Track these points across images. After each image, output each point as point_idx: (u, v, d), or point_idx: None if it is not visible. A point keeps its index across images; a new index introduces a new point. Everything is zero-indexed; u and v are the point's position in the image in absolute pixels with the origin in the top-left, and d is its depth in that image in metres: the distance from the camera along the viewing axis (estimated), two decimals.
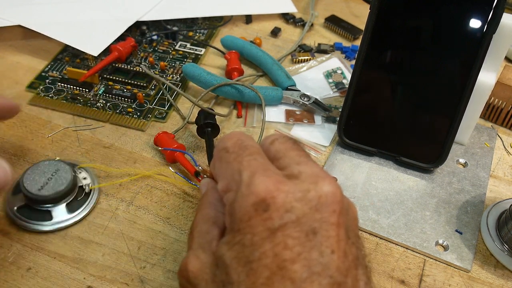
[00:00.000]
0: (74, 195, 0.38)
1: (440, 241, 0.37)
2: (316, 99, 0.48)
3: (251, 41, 0.56)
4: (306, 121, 0.47)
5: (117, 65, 0.52)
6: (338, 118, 0.45)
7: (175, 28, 0.58)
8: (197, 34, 0.58)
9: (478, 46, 0.38)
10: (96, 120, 0.46)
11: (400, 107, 0.42)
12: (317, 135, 0.46)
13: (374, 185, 0.41)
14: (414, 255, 0.37)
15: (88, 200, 0.38)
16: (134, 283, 0.34)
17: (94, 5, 0.57)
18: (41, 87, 0.49)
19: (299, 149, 0.28)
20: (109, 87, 0.50)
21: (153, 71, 0.52)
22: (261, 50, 0.53)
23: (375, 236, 0.38)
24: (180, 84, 0.51)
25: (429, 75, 0.40)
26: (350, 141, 0.43)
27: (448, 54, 0.39)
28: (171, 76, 0.52)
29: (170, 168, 0.41)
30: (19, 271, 0.34)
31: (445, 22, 0.39)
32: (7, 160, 0.32)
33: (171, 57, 0.54)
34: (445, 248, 0.37)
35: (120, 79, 0.50)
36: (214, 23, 0.60)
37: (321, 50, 0.56)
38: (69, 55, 0.54)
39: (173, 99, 0.49)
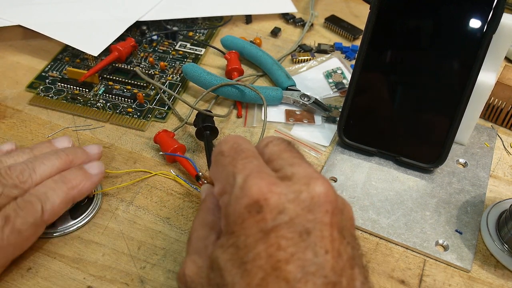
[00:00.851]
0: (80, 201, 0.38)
1: (440, 241, 0.37)
2: (316, 99, 0.48)
3: (251, 41, 0.56)
4: (306, 121, 0.47)
5: (117, 65, 0.52)
6: (338, 118, 0.45)
7: (175, 28, 0.58)
8: (197, 34, 0.58)
9: (478, 46, 0.38)
10: (96, 120, 0.46)
11: (400, 107, 0.42)
12: (317, 135, 0.46)
13: (374, 185, 0.41)
14: (414, 255, 0.37)
15: (92, 205, 0.38)
16: (134, 283, 0.34)
17: (94, 5, 0.57)
18: (41, 87, 0.49)
19: (293, 151, 0.28)
20: (109, 87, 0.50)
21: (153, 71, 0.52)
22: (261, 50, 0.53)
23: (375, 236, 0.38)
24: (180, 84, 0.51)
25: (429, 75, 0.40)
26: (350, 141, 0.43)
27: (448, 54, 0.39)
28: (171, 76, 0.52)
29: (171, 171, 0.41)
30: (19, 271, 0.34)
31: (445, 22, 0.39)
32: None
33: (171, 57, 0.54)
34: (445, 248, 0.37)
35: (120, 79, 0.50)
36: (214, 23, 0.60)
37: (321, 50, 0.56)
38: (69, 55, 0.54)
39: (172, 100, 0.49)
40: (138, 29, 0.57)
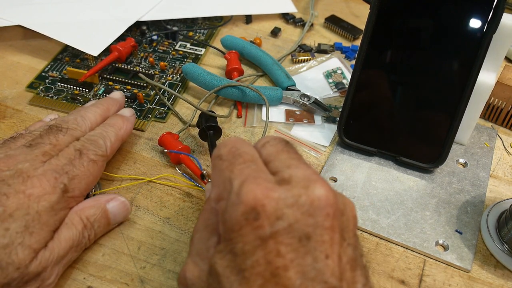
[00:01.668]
0: None
1: (440, 241, 0.37)
2: (316, 99, 0.48)
3: (251, 41, 0.56)
4: (306, 121, 0.47)
5: (117, 65, 0.52)
6: (338, 118, 0.45)
7: (175, 28, 0.58)
8: (197, 34, 0.58)
9: (478, 46, 0.38)
10: None
11: (400, 107, 0.42)
12: (317, 135, 0.46)
13: (374, 185, 0.41)
14: (414, 255, 0.37)
15: None
16: (134, 283, 0.34)
17: (94, 5, 0.57)
18: (41, 87, 0.49)
19: (290, 151, 0.28)
20: (109, 87, 0.50)
21: (153, 71, 0.52)
22: (261, 50, 0.53)
23: (375, 236, 0.38)
24: (180, 84, 0.51)
25: (429, 75, 0.40)
26: (350, 141, 0.43)
27: (448, 54, 0.39)
28: (171, 76, 0.52)
29: (177, 169, 0.41)
30: None
31: (445, 22, 0.39)
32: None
33: (171, 57, 0.54)
34: (445, 248, 0.37)
35: (120, 79, 0.50)
36: (214, 23, 0.60)
37: (321, 50, 0.56)
38: (69, 55, 0.54)
39: (172, 101, 0.49)
40: (138, 29, 0.57)
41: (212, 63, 0.55)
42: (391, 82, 0.42)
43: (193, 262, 0.27)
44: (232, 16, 0.60)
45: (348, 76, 0.53)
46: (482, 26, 0.38)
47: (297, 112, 0.48)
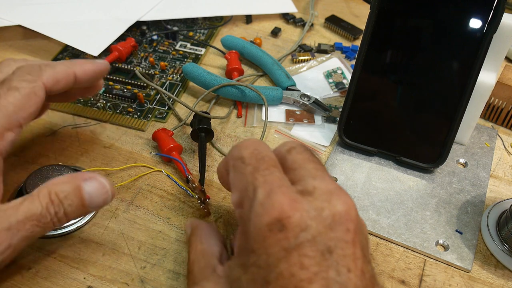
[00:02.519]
0: None
1: (440, 241, 0.37)
2: (316, 99, 0.48)
3: (251, 41, 0.56)
4: (306, 121, 0.47)
5: (117, 65, 0.52)
6: (338, 118, 0.45)
7: (175, 28, 0.58)
8: (197, 34, 0.58)
9: (478, 46, 0.38)
10: (96, 120, 0.46)
11: (400, 107, 0.42)
12: (317, 135, 0.46)
13: (374, 185, 0.41)
14: (414, 255, 0.37)
15: None
16: (134, 283, 0.34)
17: (94, 5, 0.57)
18: None
19: (316, 162, 0.27)
20: (109, 87, 0.50)
21: (153, 71, 0.52)
22: (261, 50, 0.53)
23: (375, 236, 0.38)
24: (180, 84, 0.51)
25: (429, 75, 0.40)
26: (350, 141, 0.43)
27: (448, 54, 0.39)
28: (171, 76, 0.52)
29: (163, 171, 0.41)
30: (19, 271, 0.34)
31: (445, 22, 0.39)
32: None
33: (171, 57, 0.54)
34: (445, 248, 0.37)
35: (120, 79, 0.50)
36: (214, 23, 0.60)
37: (321, 50, 0.56)
38: (69, 55, 0.54)
39: (172, 100, 0.49)
40: (138, 29, 0.57)
41: (212, 63, 0.55)
42: (391, 82, 0.42)
43: (201, 287, 0.26)
44: (232, 16, 0.60)
45: (348, 76, 0.53)
46: (482, 26, 0.38)
47: (297, 112, 0.48)
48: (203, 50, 0.56)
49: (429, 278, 0.35)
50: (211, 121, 0.44)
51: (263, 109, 0.48)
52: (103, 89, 0.49)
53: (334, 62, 0.55)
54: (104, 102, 0.48)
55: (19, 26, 0.53)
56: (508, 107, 0.46)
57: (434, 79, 0.40)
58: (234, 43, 0.54)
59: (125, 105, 0.48)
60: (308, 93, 0.48)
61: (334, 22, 0.60)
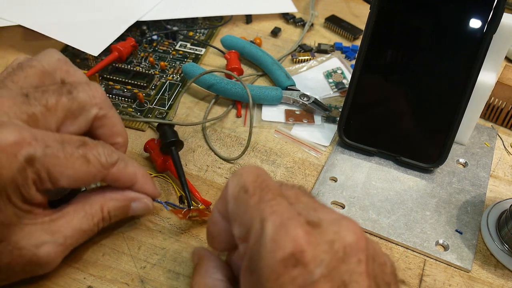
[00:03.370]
0: (70, 190, 0.37)
1: (440, 241, 0.37)
2: (315, 99, 0.48)
3: (251, 41, 0.56)
4: (305, 121, 0.47)
5: (117, 65, 0.52)
6: (338, 118, 0.45)
7: (175, 28, 0.58)
8: (197, 34, 0.58)
9: (478, 46, 0.38)
10: None
11: (400, 107, 0.42)
12: (317, 135, 0.46)
13: (374, 185, 0.41)
14: (414, 255, 0.37)
15: None
16: (134, 283, 0.34)
17: (94, 5, 0.57)
18: None
19: (309, 195, 0.26)
20: (109, 87, 0.50)
21: (153, 71, 0.52)
22: (261, 50, 0.53)
23: (375, 236, 0.38)
24: (180, 84, 0.51)
25: (429, 75, 0.40)
26: (350, 141, 0.43)
27: (448, 54, 0.39)
28: (171, 76, 0.52)
29: (158, 200, 0.37)
30: None
31: (445, 22, 0.39)
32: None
33: (171, 57, 0.54)
34: (445, 248, 0.37)
35: (120, 79, 0.50)
36: (214, 23, 0.60)
37: (321, 50, 0.56)
38: (69, 55, 0.54)
39: (172, 100, 0.49)
40: (138, 29, 0.57)
41: (212, 63, 0.55)
42: (391, 82, 0.42)
43: None
44: (232, 16, 0.60)
45: (348, 76, 0.53)
46: (482, 26, 0.38)
47: (297, 112, 0.48)
48: (203, 50, 0.56)
49: (429, 278, 0.35)
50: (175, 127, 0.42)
51: (263, 109, 0.48)
52: (103, 89, 0.49)
53: (334, 62, 0.55)
54: None
55: (19, 26, 0.53)
56: (508, 107, 0.46)
57: (434, 79, 0.40)
58: (234, 43, 0.54)
59: (125, 105, 0.48)
60: (308, 93, 0.48)
61: (334, 22, 0.60)
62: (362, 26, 0.58)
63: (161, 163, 0.41)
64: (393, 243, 0.37)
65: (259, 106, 0.48)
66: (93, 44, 0.51)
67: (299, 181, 0.42)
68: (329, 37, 0.59)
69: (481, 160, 0.44)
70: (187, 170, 0.42)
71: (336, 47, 0.57)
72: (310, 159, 0.44)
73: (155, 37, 0.57)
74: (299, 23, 0.60)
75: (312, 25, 0.60)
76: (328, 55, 0.56)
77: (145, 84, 0.50)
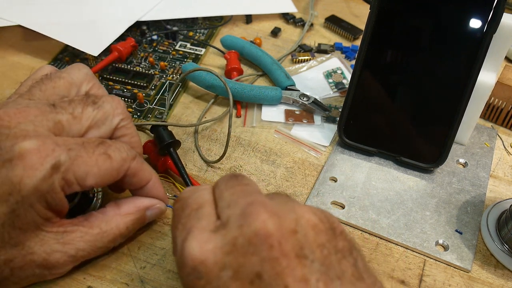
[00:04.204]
0: (77, 201, 0.36)
1: (440, 241, 0.37)
2: (315, 99, 0.48)
3: (251, 41, 0.56)
4: (305, 121, 0.47)
5: (117, 65, 0.52)
6: (338, 118, 0.45)
7: (175, 28, 0.58)
8: (197, 34, 0.58)
9: (478, 46, 0.38)
10: None
11: (400, 107, 0.42)
12: (317, 135, 0.46)
13: (374, 185, 0.41)
14: (414, 255, 0.37)
15: (92, 205, 0.37)
16: (134, 283, 0.34)
17: (94, 5, 0.57)
18: None
19: (234, 185, 0.26)
20: (109, 87, 0.50)
21: (153, 71, 0.52)
22: (261, 50, 0.53)
23: (375, 236, 0.38)
24: (180, 84, 0.51)
25: (429, 75, 0.40)
26: (350, 141, 0.43)
27: (448, 54, 0.39)
28: (171, 76, 0.52)
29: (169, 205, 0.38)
30: None
31: (445, 22, 0.39)
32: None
33: (171, 57, 0.54)
34: (445, 248, 0.37)
35: (120, 79, 0.50)
36: (214, 23, 0.60)
37: (321, 50, 0.56)
38: (69, 55, 0.54)
39: (172, 100, 0.49)
40: (138, 29, 0.57)
41: (212, 63, 0.55)
42: (391, 82, 0.42)
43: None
44: (232, 16, 0.60)
45: (348, 76, 0.53)
46: (482, 26, 0.38)
47: (297, 112, 0.48)
48: (203, 50, 0.56)
49: (429, 278, 0.35)
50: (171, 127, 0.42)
51: (263, 108, 0.48)
52: None
53: (334, 62, 0.55)
54: None
55: (19, 26, 0.53)
56: (508, 107, 0.46)
57: (434, 79, 0.40)
58: (234, 43, 0.54)
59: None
60: (307, 93, 0.48)
61: (334, 22, 0.60)
62: (362, 26, 0.58)
63: (161, 164, 0.41)
64: (393, 243, 0.37)
65: (259, 106, 0.48)
66: (93, 44, 0.51)
67: (299, 181, 0.42)
68: (329, 37, 0.59)
69: (481, 160, 0.44)
70: (187, 170, 0.42)
71: (336, 47, 0.57)
72: (310, 159, 0.44)
73: (155, 37, 0.57)
74: (299, 23, 0.60)
75: (312, 25, 0.60)
76: (328, 55, 0.56)
77: (145, 84, 0.50)
